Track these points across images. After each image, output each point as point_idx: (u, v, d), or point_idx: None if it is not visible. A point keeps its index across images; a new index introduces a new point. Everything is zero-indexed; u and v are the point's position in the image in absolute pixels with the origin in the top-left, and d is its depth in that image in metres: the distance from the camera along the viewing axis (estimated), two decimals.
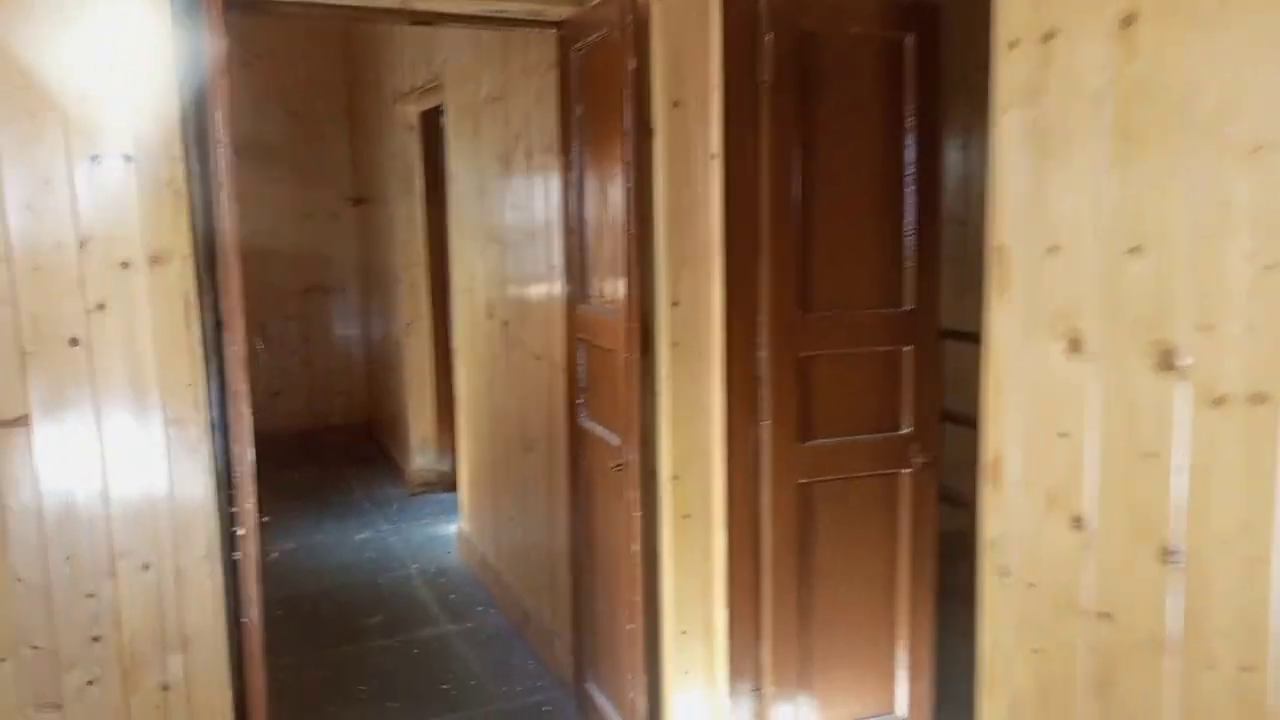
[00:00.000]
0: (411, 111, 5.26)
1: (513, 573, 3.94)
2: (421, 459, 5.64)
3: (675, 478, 2.66)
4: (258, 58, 6.19)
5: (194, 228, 2.24)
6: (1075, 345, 1.38)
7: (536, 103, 3.27)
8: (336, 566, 4.54)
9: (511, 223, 3.62)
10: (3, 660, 2.17)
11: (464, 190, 4.21)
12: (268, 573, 2.43)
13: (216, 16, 2.13)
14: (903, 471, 2.78)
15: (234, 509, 2.24)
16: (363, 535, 4.95)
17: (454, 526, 4.85)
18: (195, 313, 2.25)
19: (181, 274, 2.23)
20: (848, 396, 2.71)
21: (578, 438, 3.06)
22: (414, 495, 5.57)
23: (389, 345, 6.03)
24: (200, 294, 2.26)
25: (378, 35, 5.59)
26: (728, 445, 2.63)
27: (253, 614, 2.22)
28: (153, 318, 2.21)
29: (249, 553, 2.21)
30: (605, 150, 2.68)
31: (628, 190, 2.51)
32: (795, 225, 2.56)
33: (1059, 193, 1.36)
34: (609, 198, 2.67)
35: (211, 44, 2.09)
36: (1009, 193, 1.45)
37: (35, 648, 2.20)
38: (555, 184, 3.14)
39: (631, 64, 2.42)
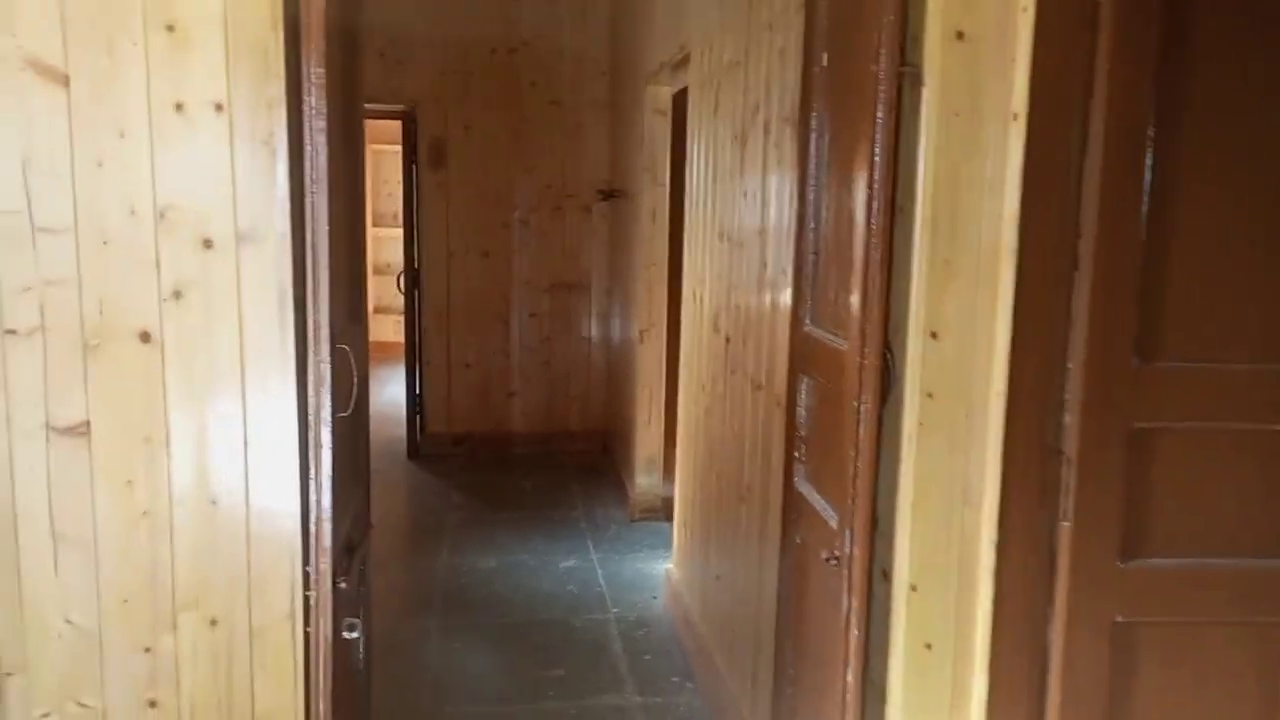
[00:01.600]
0: (663, 93, 4.70)
1: (716, 642, 3.23)
2: (646, 481, 5.08)
3: (914, 588, 1.83)
4: (524, 44, 5.94)
5: (297, 200, 1.74)
6: None
7: (779, 61, 2.54)
8: (533, 597, 4.07)
9: (743, 216, 2.91)
10: (47, 716, 1.80)
11: (698, 177, 3.56)
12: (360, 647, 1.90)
13: None
14: None
15: (306, 568, 1.72)
16: (569, 563, 4.45)
17: (665, 566, 4.22)
18: (291, 308, 1.76)
19: (276, 258, 1.75)
20: (1210, 496, 1.74)
21: (792, 502, 2.29)
22: (634, 521, 5.01)
23: (626, 352, 5.53)
24: (301, 285, 1.77)
25: (637, 10, 5.08)
26: (1001, 550, 1.75)
27: (320, 709, 1.68)
28: (239, 313, 1.75)
29: (319, 629, 1.67)
30: (850, 111, 1.89)
31: (873, 165, 1.71)
32: (1139, 226, 1.64)
33: None
34: (854, 182, 1.89)
35: None
36: None
37: (83, 705, 1.81)
38: (791, 165, 2.39)
39: None
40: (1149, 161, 1.62)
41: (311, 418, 1.65)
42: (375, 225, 9.86)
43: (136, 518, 1.78)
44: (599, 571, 4.36)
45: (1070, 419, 1.70)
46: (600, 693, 3.30)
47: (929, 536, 1.80)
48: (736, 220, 2.97)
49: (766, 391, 2.63)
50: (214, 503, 1.79)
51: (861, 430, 1.80)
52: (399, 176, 6.33)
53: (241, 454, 1.79)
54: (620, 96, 5.75)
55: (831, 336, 1.98)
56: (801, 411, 2.22)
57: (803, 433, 2.22)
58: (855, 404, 1.81)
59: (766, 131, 2.66)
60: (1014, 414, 1.70)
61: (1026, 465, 1.73)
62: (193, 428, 1.77)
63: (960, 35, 1.63)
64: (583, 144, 6.06)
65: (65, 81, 1.65)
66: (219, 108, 1.68)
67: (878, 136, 1.71)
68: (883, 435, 1.81)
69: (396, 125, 6.07)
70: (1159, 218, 1.64)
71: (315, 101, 1.55)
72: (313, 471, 1.65)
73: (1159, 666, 1.78)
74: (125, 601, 1.79)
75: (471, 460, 6.01)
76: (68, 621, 1.78)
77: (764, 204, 2.67)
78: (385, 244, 9.78)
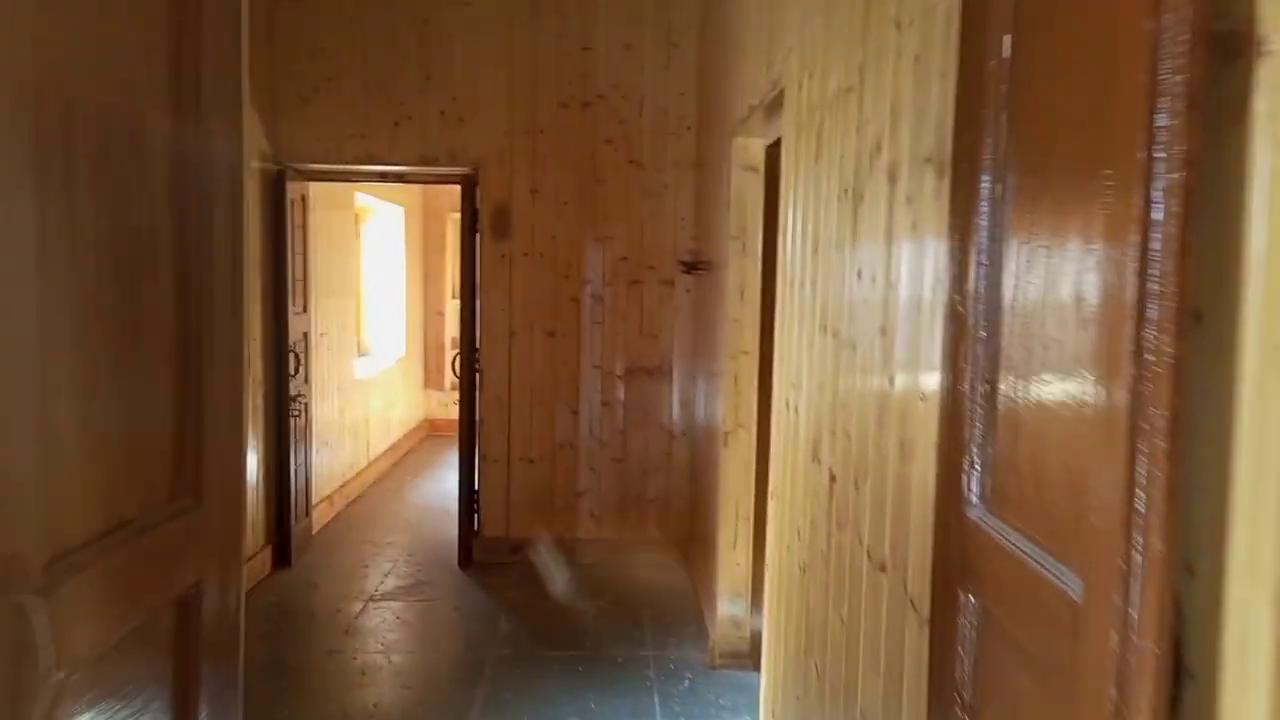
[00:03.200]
0: (754, 145, 3.87)
1: None
2: (730, 613, 4.12)
3: None
4: (599, 97, 5.23)
5: None
6: None
7: (913, 73, 1.66)
8: None
9: (855, 303, 2.01)
10: None
11: (793, 248, 2.68)
12: None
13: None
14: None
15: None
16: None
17: None
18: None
19: None
20: None
21: None
22: (715, 668, 4.04)
23: (710, 453, 4.62)
24: None
25: (727, 51, 4.29)
26: None
27: None
28: None
29: None
30: (1076, 123, 0.99)
31: (1149, 227, 0.81)
32: None
33: None
34: (1084, 260, 0.98)
35: None
36: None
37: None
38: (936, 227, 1.50)
39: None
40: None
41: None
42: (454, 297, 9.30)
43: None
44: None
45: None
46: None
47: None
48: (846, 308, 2.07)
49: (895, 579, 1.69)
50: None
51: None
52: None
53: None
54: (707, 154, 4.95)
55: (1035, 551, 1.05)
56: (964, 658, 1.27)
57: (965, 696, 1.28)
58: (1115, 707, 0.87)
59: (892, 180, 1.77)
60: None
61: None
62: None
63: None
64: (664, 209, 5.27)
65: None
66: None
67: (1158, 168, 0.80)
68: None
69: (457, 190, 5.43)
70: None
71: None
72: None
73: None
74: None
75: (529, 572, 5.16)
76: None
77: (888, 287, 1.77)
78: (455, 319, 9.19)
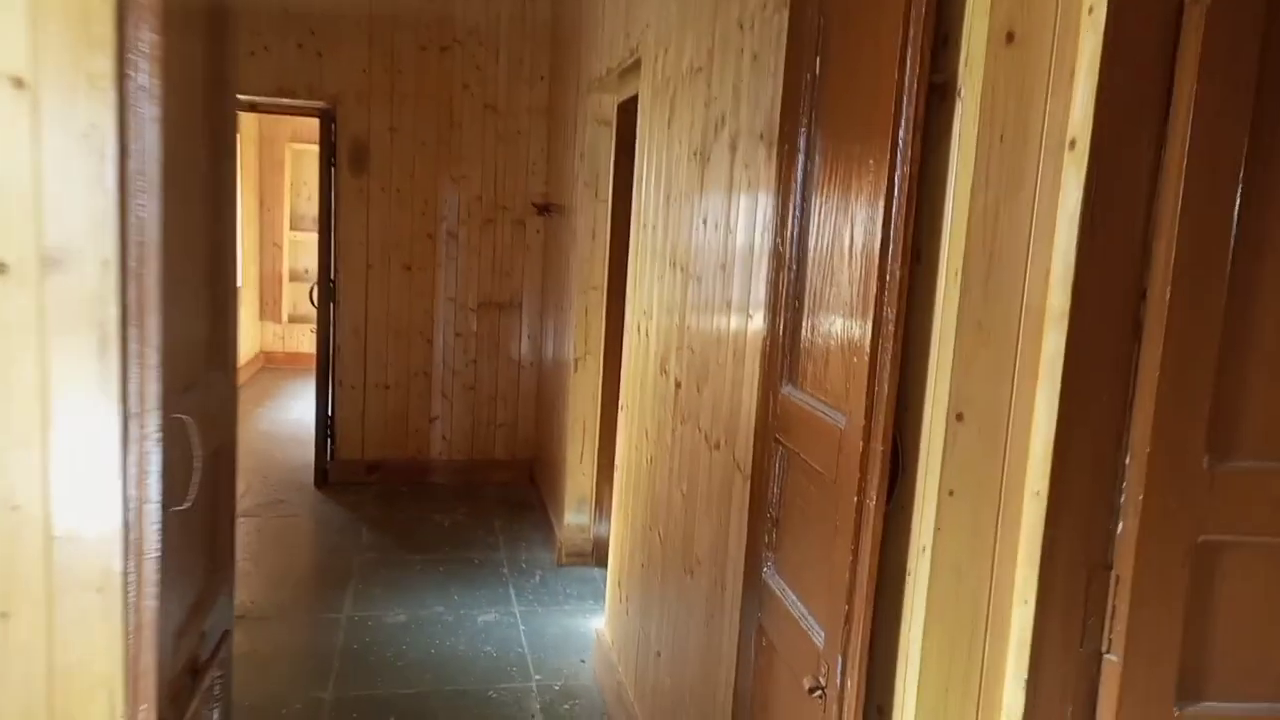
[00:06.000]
0: (607, 101, 4.31)
1: None
2: (576, 520, 4.66)
3: None
4: (456, 42, 5.49)
5: (126, 212, 1.29)
6: None
7: (751, 67, 2.17)
8: (447, 662, 3.60)
9: (700, 246, 2.53)
10: None
11: (648, 198, 3.17)
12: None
13: None
14: None
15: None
16: (488, 616, 4.00)
17: (595, 624, 3.80)
18: (117, 359, 1.30)
19: (98, 292, 1.29)
20: None
21: (758, 597, 1.90)
22: (562, 565, 4.58)
23: (559, 378, 5.11)
24: (127, 325, 1.31)
25: (582, 10, 4.69)
26: (1031, 689, 1.39)
27: None
28: (43, 362, 1.28)
29: None
30: (856, 130, 1.52)
31: (890, 200, 1.35)
32: (1221, 289, 1.30)
33: None
34: (854, 216, 1.52)
35: None
36: None
37: None
38: (766, 192, 2.02)
39: None
40: (1237, 206, 1.28)
41: (130, 514, 1.20)
42: (292, 229, 9.25)
43: None
44: (521, 628, 3.92)
45: (1124, 527, 1.35)
46: None
47: (941, 669, 1.43)
48: (693, 248, 2.59)
49: (726, 453, 2.24)
50: (5, 615, 1.32)
51: (864, 533, 1.42)
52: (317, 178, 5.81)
53: (42, 552, 1.32)
54: (560, 104, 5.34)
55: (822, 407, 1.61)
56: (774, 489, 1.83)
57: (774, 514, 1.84)
58: (856, 498, 1.43)
59: (733, 148, 2.28)
60: (1055, 520, 1.35)
61: (1067, 584, 1.37)
62: None
63: (1011, 37, 1.27)
64: (518, 153, 5.63)
65: None
66: (19, 83, 1.23)
67: (898, 164, 1.34)
68: (887, 538, 1.44)
69: (314, 122, 5.56)
70: (1245, 277, 1.30)
71: (145, 79, 1.12)
72: (133, 591, 1.20)
73: None
74: None
75: (385, 491, 5.51)
76: None
77: (728, 232, 2.29)
78: (302, 249, 9.17)
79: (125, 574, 1.32)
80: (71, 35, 1.23)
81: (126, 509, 1.27)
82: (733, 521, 2.17)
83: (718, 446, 2.31)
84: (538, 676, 3.52)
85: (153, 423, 1.18)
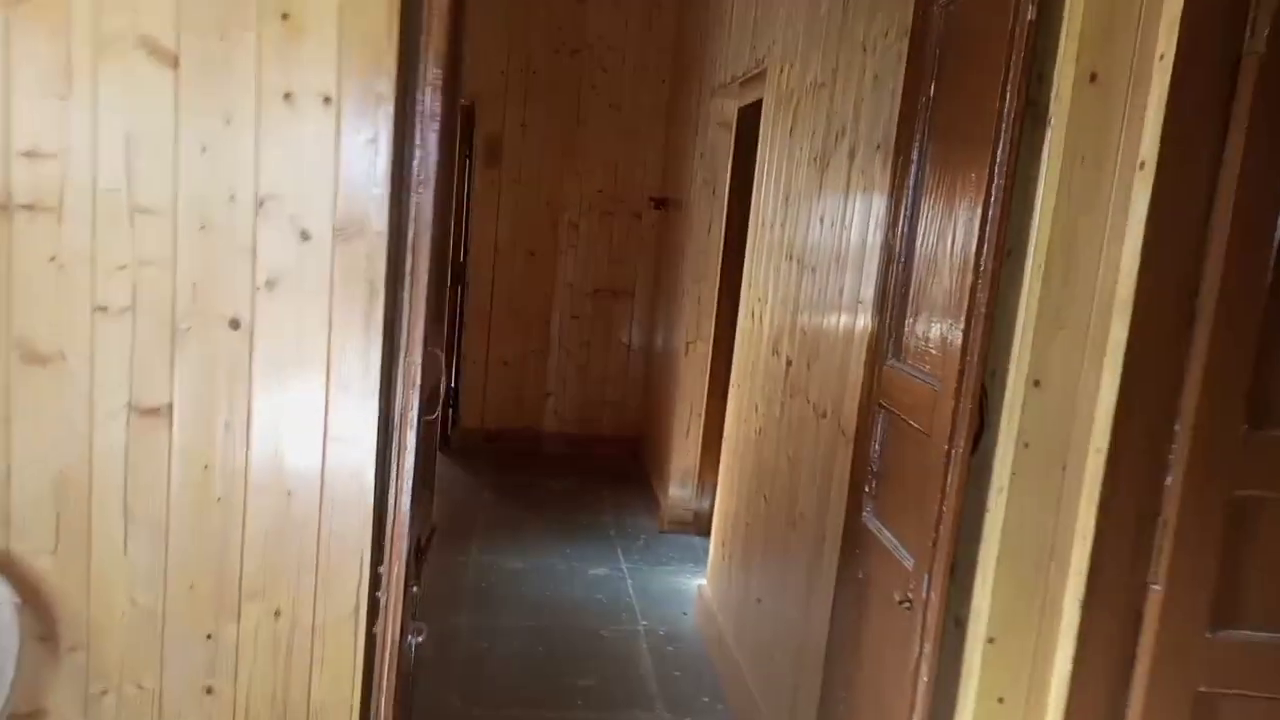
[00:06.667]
0: (729, 106, 4.66)
1: (753, 672, 3.18)
2: (679, 493, 5.04)
3: (992, 640, 1.77)
4: (587, 46, 5.92)
5: (398, 196, 1.72)
6: None
7: (872, 87, 2.49)
8: (563, 604, 4.03)
9: (817, 242, 2.87)
10: (104, 693, 1.78)
11: (768, 198, 3.52)
12: (408, 655, 1.88)
13: None
14: None
15: (380, 569, 1.69)
16: (599, 571, 4.42)
17: (697, 581, 4.18)
18: (381, 305, 1.73)
19: (370, 253, 1.72)
20: None
21: (857, 538, 2.24)
22: (664, 533, 4.97)
23: (668, 362, 5.49)
24: (394, 282, 1.74)
25: (709, 24, 5.05)
26: (1086, 609, 1.70)
27: (382, 711, 1.65)
28: (330, 306, 1.73)
29: (387, 632, 1.65)
30: (962, 147, 1.85)
31: (989, 203, 1.67)
32: (1265, 287, 1.58)
33: None
34: (957, 218, 1.84)
35: None
36: None
37: (140, 687, 1.79)
38: (880, 196, 2.35)
39: (1029, 13, 1.58)
40: None
41: (397, 419, 1.62)
42: None
43: (211, 503, 1.76)
44: (629, 582, 4.33)
45: (1172, 482, 1.65)
46: (629, 707, 3.26)
47: (1011, 589, 1.75)
48: (810, 243, 2.93)
49: (831, 421, 2.58)
50: (290, 494, 1.77)
51: (951, 474, 1.75)
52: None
53: (320, 448, 1.76)
54: (679, 105, 5.72)
55: (921, 374, 1.94)
56: (875, 446, 2.17)
57: (875, 468, 2.18)
58: (946, 447, 1.76)
59: (851, 156, 2.61)
60: (1113, 472, 1.65)
61: (1121, 526, 1.68)
62: (274, 418, 1.75)
63: (1093, 78, 1.58)
64: (638, 150, 6.04)
65: (175, 63, 1.63)
66: (327, 100, 1.66)
67: (995, 177, 1.66)
68: (970, 482, 1.77)
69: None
70: None
71: (430, 103, 1.53)
72: (395, 474, 1.63)
73: None
74: (191, 587, 1.77)
75: (502, 458, 6.00)
76: (133, 602, 1.76)
77: (843, 230, 2.63)
78: None
79: (378, 469, 1.75)
80: (367, 64, 1.66)
81: (389, 418, 1.70)
82: (835, 478, 2.51)
83: (824, 415, 2.66)
84: (644, 622, 3.92)
85: (417, 353, 1.59)
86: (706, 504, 4.92)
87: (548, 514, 5.10)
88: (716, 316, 4.82)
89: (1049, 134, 1.65)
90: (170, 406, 1.72)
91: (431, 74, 1.52)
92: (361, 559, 1.79)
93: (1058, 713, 1.73)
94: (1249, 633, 1.68)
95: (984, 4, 1.78)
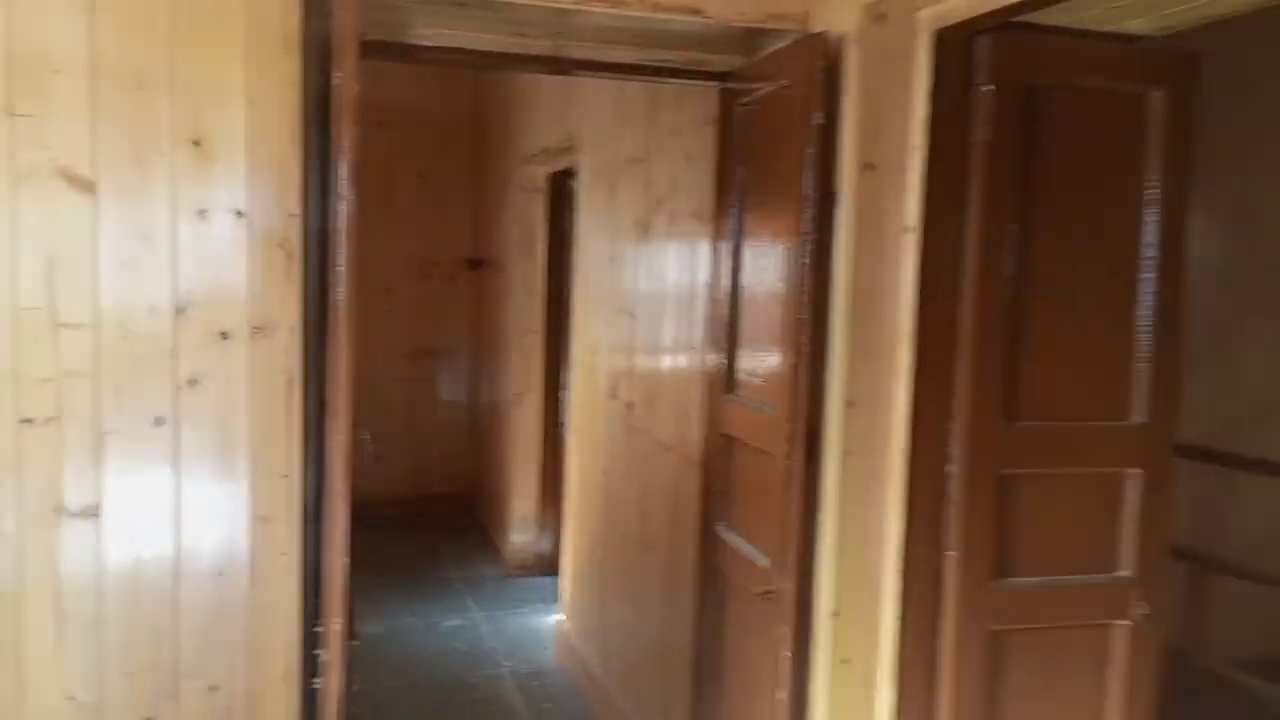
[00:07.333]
0: (539, 173, 5.02)
1: (622, 693, 3.48)
2: (521, 538, 5.27)
3: (835, 614, 2.19)
4: (390, 121, 6.10)
5: (305, 295, 1.93)
6: None
7: (686, 164, 2.93)
8: (424, 658, 4.17)
9: (645, 295, 3.26)
10: None
11: (593, 257, 3.89)
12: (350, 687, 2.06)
13: (351, 63, 1.85)
14: (1119, 624, 2.25)
15: (318, 627, 1.88)
16: (454, 622, 4.58)
17: (552, 618, 4.44)
18: (298, 392, 1.93)
19: (287, 347, 1.92)
20: (1056, 527, 2.21)
21: (712, 548, 2.62)
22: (509, 577, 5.19)
23: (496, 415, 5.73)
24: (306, 370, 1.95)
25: (511, 97, 5.41)
26: (903, 578, 2.16)
27: None
28: (249, 396, 1.90)
29: (330, 684, 1.83)
30: (773, 219, 2.29)
31: (802, 266, 2.11)
32: (1003, 316, 2.11)
33: None
34: (775, 274, 2.28)
35: (343, 90, 1.80)
36: None
37: None
38: (702, 254, 2.77)
39: (818, 118, 2.04)
40: (1011, 265, 2.09)
41: (329, 492, 1.83)
42: None
43: (144, 593, 1.87)
44: (485, 628, 4.51)
45: (954, 469, 2.14)
46: None
47: (846, 570, 2.18)
48: (639, 299, 3.32)
49: (678, 452, 2.97)
50: (220, 574, 1.91)
51: (793, 484, 2.17)
52: None
53: (247, 529, 1.92)
54: (488, 172, 6.02)
55: (759, 405, 2.35)
56: (722, 469, 2.57)
57: (722, 486, 2.57)
58: (786, 462, 2.18)
59: (672, 222, 3.03)
60: (912, 467, 2.12)
61: (922, 508, 2.15)
62: (202, 505, 1.89)
63: (869, 166, 2.06)
64: (449, 215, 6.27)
65: (92, 189, 1.77)
66: (239, 214, 1.86)
67: (806, 245, 2.11)
68: (807, 489, 2.19)
69: None
70: (1017, 307, 2.11)
71: (345, 219, 1.77)
72: (329, 541, 1.83)
73: (1023, 665, 2.22)
74: (129, 675, 1.87)
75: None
76: (70, 698, 1.83)
77: (670, 286, 3.04)
78: None
79: (307, 540, 1.94)
80: (275, 182, 1.87)
81: (318, 493, 1.89)
82: (684, 501, 2.89)
83: (670, 449, 3.04)
84: (508, 664, 4.13)
85: (345, 432, 1.80)
86: (548, 545, 5.19)
87: (394, 576, 5.18)
88: (544, 367, 5.13)
89: (841, 208, 2.11)
90: (99, 506, 1.83)
91: (344, 190, 1.76)
92: (290, 625, 1.96)
93: (889, 662, 2.17)
94: (1021, 579, 2.20)
95: (781, 107, 2.24)
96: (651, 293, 3.20)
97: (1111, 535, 2.24)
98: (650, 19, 2.12)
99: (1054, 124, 2.05)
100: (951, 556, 2.15)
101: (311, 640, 1.94)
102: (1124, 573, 2.24)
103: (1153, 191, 2.10)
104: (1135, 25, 2.00)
